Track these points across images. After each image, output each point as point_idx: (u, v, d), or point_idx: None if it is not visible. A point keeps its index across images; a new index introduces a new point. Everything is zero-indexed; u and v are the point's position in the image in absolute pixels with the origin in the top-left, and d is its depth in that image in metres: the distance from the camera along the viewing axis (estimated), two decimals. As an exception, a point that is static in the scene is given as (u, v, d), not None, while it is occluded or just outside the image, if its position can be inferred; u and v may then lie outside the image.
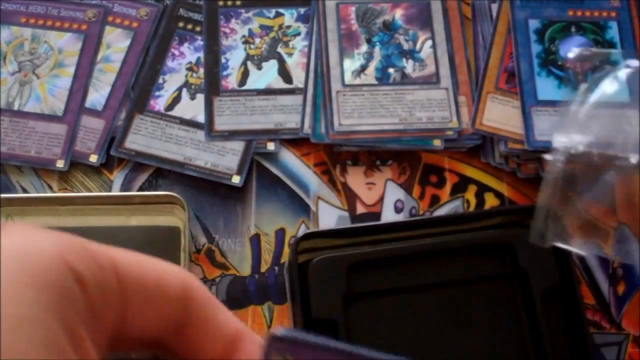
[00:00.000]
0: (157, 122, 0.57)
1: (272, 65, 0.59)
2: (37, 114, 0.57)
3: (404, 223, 0.51)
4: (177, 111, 0.57)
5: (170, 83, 0.58)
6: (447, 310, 0.49)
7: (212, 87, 0.58)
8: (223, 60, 0.59)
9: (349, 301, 0.48)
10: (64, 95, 0.58)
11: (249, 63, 0.59)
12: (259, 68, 0.59)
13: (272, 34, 0.60)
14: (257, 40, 0.60)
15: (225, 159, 0.56)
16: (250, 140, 0.56)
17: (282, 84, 0.58)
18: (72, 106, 0.57)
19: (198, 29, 0.60)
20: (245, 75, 0.58)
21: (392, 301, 0.49)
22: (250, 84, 0.58)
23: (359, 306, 0.48)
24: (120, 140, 0.56)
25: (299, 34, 0.60)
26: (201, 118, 0.57)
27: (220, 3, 0.61)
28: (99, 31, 0.60)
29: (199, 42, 0.60)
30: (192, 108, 0.57)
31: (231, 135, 0.56)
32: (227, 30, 0.60)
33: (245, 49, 0.59)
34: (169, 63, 0.59)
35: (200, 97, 0.58)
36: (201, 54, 0.59)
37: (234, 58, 0.59)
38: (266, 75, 0.58)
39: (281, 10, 0.61)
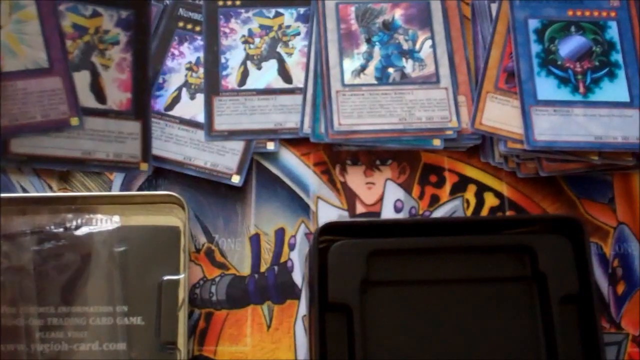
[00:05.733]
0: (156, 121, 0.57)
1: (271, 65, 0.59)
2: (21, 72, 0.50)
3: (425, 222, 0.51)
4: (176, 111, 0.57)
5: (170, 83, 0.58)
6: (463, 307, 0.49)
7: (212, 86, 0.58)
8: (223, 60, 0.59)
9: (366, 287, 0.48)
10: (39, 42, 0.51)
11: (248, 63, 0.59)
12: (259, 68, 0.59)
13: (271, 34, 0.60)
14: (257, 40, 0.60)
15: (225, 159, 0.56)
16: (249, 140, 0.56)
17: (281, 84, 0.58)
18: (54, 54, 0.51)
19: (198, 28, 0.60)
20: (244, 75, 0.58)
21: (409, 292, 0.49)
22: (250, 84, 0.58)
23: (376, 293, 0.48)
24: (120, 140, 0.56)
25: (298, 33, 0.60)
26: (201, 118, 0.57)
27: (220, 3, 0.61)
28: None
29: (199, 41, 0.60)
30: (192, 108, 0.57)
31: (231, 135, 0.56)
32: (227, 30, 0.60)
33: (245, 49, 0.59)
34: (169, 63, 0.59)
35: (200, 97, 0.58)
36: (201, 54, 0.59)
37: (233, 58, 0.59)
38: (266, 75, 0.58)
39: (281, 10, 0.61)
